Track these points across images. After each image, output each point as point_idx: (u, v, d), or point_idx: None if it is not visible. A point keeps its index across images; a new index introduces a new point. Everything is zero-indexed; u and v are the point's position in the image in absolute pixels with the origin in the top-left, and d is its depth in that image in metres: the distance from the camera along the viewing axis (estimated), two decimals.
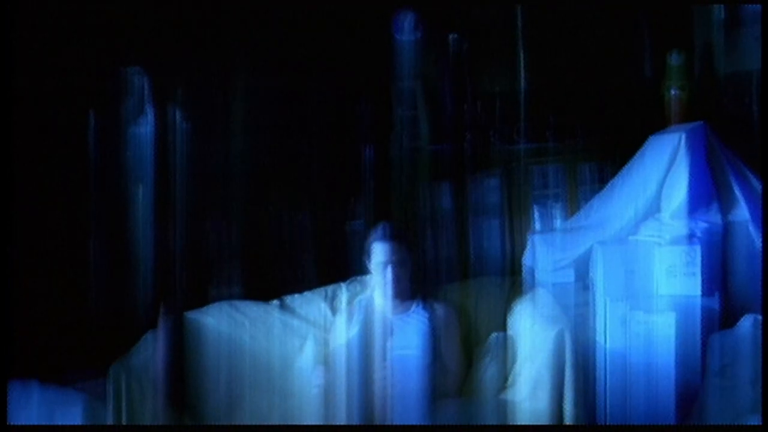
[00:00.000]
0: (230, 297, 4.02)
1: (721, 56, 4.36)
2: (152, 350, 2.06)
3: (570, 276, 3.42)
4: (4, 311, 1.96)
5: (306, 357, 2.26)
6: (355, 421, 1.81)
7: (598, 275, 3.20)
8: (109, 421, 1.94)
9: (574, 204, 4.13)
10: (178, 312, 2.26)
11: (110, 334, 3.25)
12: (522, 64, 4.55)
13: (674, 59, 4.17)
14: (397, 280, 2.16)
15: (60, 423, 2.27)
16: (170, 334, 2.10)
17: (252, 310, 2.41)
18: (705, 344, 2.80)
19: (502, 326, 2.16)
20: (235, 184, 4.13)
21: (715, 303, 2.99)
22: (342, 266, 4.25)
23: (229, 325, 2.33)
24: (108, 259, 3.67)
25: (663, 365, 2.78)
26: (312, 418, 1.96)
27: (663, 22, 4.47)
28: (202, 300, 3.79)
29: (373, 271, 2.24)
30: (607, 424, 2.39)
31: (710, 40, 4.42)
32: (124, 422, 1.89)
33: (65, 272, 3.45)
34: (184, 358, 2.07)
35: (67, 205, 3.54)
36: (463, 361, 2.12)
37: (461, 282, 2.40)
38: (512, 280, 2.28)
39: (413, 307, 2.19)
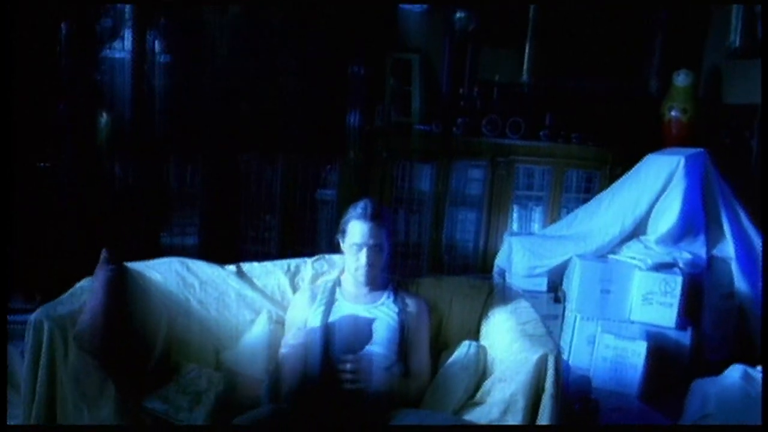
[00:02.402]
0: (183, 247, 3.79)
1: (728, 85, 4.25)
2: (84, 301, 1.81)
3: (542, 285, 3.30)
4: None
5: (255, 333, 2.04)
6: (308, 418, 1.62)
7: (573, 290, 3.08)
8: (23, 374, 1.70)
9: (555, 210, 3.99)
10: (121, 261, 2.01)
11: (42, 270, 2.99)
12: (527, 59, 4.36)
13: (680, 80, 4.04)
14: (371, 266, 1.94)
15: None
16: (108, 285, 1.84)
17: (204, 272, 2.16)
18: (674, 380, 2.70)
19: (475, 334, 1.98)
20: (207, 128, 3.85)
21: (687, 338, 2.89)
22: (308, 234, 4.05)
23: (177, 284, 2.08)
24: (54, 190, 3.38)
25: (626, 396, 2.67)
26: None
27: (675, 41, 4.33)
28: (152, 250, 3.54)
29: (345, 252, 2.00)
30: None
31: (720, 67, 4.31)
32: (40, 377, 1.64)
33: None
34: (120, 314, 1.83)
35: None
36: (429, 364, 1.93)
37: (436, 278, 2.20)
38: (491, 285, 2.10)
39: (383, 298, 1.98)
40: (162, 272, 2.12)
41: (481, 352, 1.84)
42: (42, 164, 3.48)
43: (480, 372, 1.79)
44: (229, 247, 3.86)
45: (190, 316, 2.06)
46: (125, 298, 1.90)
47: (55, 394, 1.65)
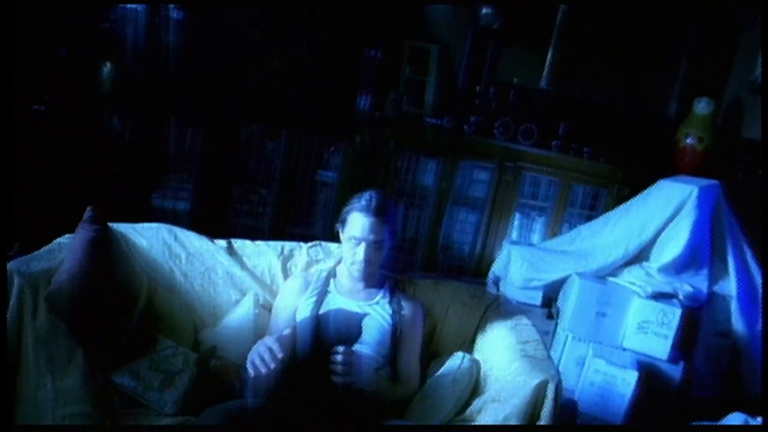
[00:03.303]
0: (174, 212, 3.67)
1: (748, 119, 4.16)
2: (62, 260, 1.69)
3: (537, 299, 3.21)
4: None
5: (239, 315, 1.93)
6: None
7: (567, 308, 2.99)
8: None
9: (558, 223, 3.90)
10: (105, 221, 1.88)
11: (25, 217, 2.85)
12: (548, 65, 4.25)
13: (701, 107, 3.94)
14: (368, 263, 1.83)
15: None
16: (88, 246, 1.72)
17: (193, 244, 2.03)
18: (660, 413, 2.63)
19: (470, 345, 1.88)
20: (213, 93, 3.71)
21: (678, 372, 2.82)
22: (303, 215, 3.94)
23: (163, 253, 1.97)
24: (46, 135, 3.24)
25: (610, 424, 2.60)
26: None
27: (701, 67, 4.24)
28: (141, 211, 3.41)
29: (343, 243, 1.89)
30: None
31: (742, 99, 4.22)
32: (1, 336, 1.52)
33: None
34: (98, 278, 1.71)
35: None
36: (418, 371, 1.83)
37: (435, 281, 2.09)
38: (492, 297, 2.00)
39: (378, 297, 1.88)
40: (148, 238, 2.00)
41: (475, 366, 1.74)
42: (37, 107, 3.33)
43: (471, 387, 1.69)
44: (220, 217, 3.75)
45: (172, 289, 1.95)
46: (105, 261, 1.79)
47: (19, 356, 1.53)
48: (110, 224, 1.94)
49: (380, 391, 1.68)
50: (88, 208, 1.85)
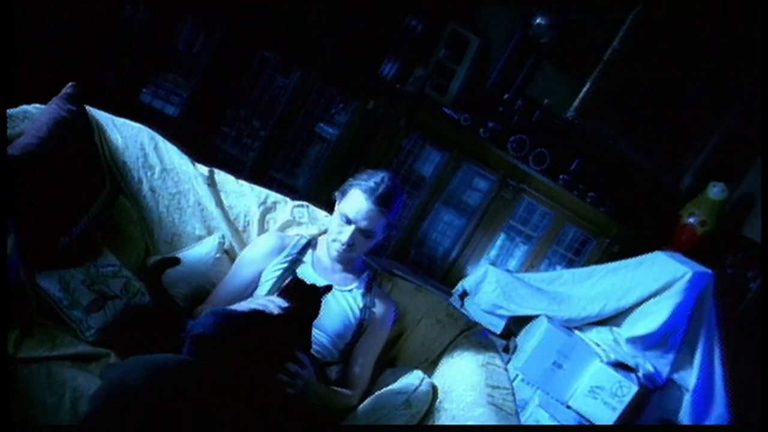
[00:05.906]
0: (161, 115, 3.40)
1: (754, 218, 4.08)
2: (21, 131, 1.45)
3: (498, 327, 3.07)
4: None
5: (197, 253, 1.72)
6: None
7: (527, 348, 2.86)
8: None
9: (539, 256, 3.77)
10: (84, 103, 1.64)
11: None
12: (582, 97, 4.08)
13: (714, 192, 3.84)
14: (350, 248, 1.65)
15: None
16: (56, 125, 1.48)
17: (172, 160, 1.80)
18: None
19: (431, 365, 1.71)
20: (238, 3, 3.42)
21: None
22: (290, 162, 3.71)
23: (136, 159, 1.73)
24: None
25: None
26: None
27: (727, 150, 4.13)
28: (127, 102, 3.13)
29: (334, 214, 1.71)
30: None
31: (755, 197, 4.13)
32: None
33: None
34: (54, 165, 1.48)
35: None
36: (369, 377, 1.66)
37: (416, 287, 1.90)
38: (469, 323, 1.83)
39: (353, 285, 1.70)
40: (125, 137, 1.77)
41: (433, 393, 1.57)
42: None
43: (423, 415, 1.52)
44: (205, 135, 3.48)
45: (134, 201, 1.73)
46: (70, 148, 1.55)
47: None
48: (89, 108, 1.70)
49: (322, 402, 1.50)
50: (70, 83, 1.60)
